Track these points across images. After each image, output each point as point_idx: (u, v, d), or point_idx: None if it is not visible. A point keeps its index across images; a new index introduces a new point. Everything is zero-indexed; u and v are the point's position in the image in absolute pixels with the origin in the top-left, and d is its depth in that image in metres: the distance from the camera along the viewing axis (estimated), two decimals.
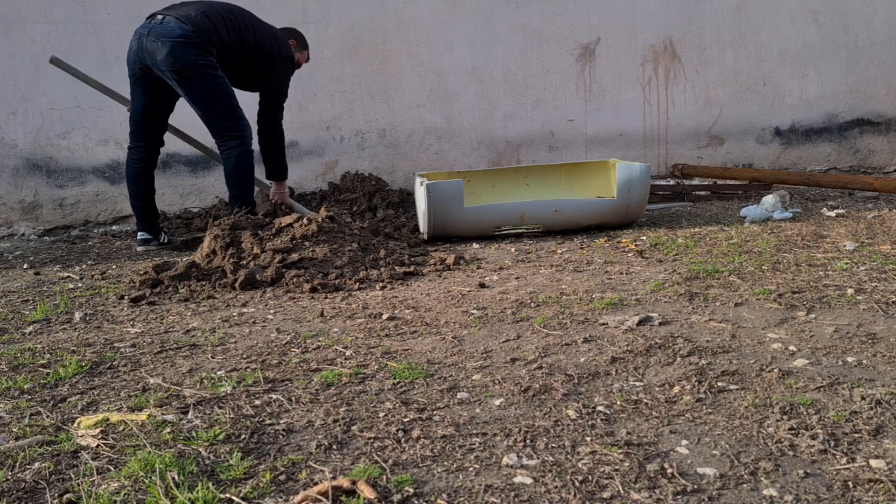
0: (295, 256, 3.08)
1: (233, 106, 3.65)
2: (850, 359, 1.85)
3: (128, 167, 3.83)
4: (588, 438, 1.46)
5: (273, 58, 3.78)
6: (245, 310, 2.60)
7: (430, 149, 5.28)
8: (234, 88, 3.75)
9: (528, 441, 1.46)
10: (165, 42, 3.47)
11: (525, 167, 4.42)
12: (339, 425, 1.56)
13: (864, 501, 1.21)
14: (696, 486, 1.27)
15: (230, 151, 3.66)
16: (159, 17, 3.56)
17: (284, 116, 4.97)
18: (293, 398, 1.73)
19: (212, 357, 2.07)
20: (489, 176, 4.35)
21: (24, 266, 3.61)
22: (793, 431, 1.46)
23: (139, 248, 3.87)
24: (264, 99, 3.87)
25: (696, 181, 5.31)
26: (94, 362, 2.04)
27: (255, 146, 3.82)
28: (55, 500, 1.30)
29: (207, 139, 3.91)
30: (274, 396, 1.74)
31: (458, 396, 1.71)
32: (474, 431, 1.51)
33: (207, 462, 1.42)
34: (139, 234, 3.90)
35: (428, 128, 5.26)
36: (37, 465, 1.43)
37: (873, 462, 1.33)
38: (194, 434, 1.54)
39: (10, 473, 1.40)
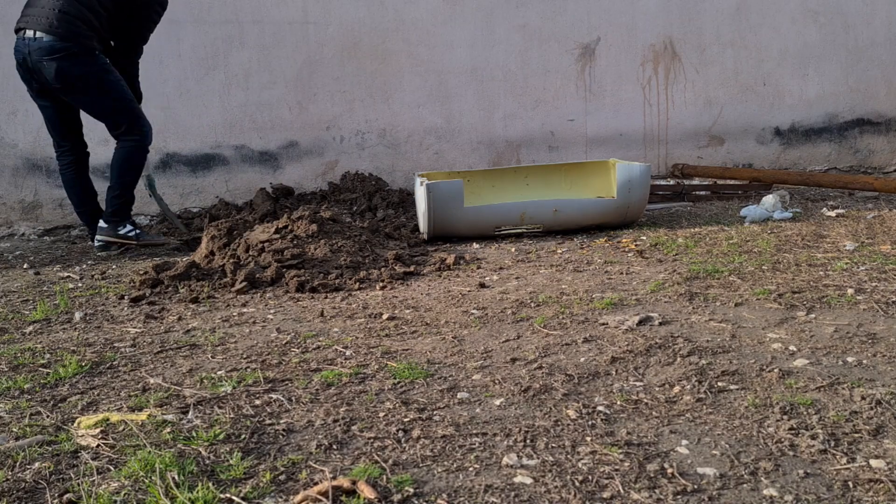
0: (295, 256, 3.08)
1: (130, 105, 3.61)
2: (850, 359, 1.85)
3: (62, 177, 3.80)
4: (588, 438, 1.46)
5: (149, 5, 3.67)
6: (245, 310, 2.60)
7: (430, 149, 5.28)
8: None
9: (528, 441, 1.46)
10: (50, 62, 3.41)
11: (525, 167, 4.42)
12: (339, 425, 1.56)
13: (864, 501, 1.21)
14: (696, 486, 1.27)
15: (126, 143, 3.62)
16: (29, 32, 3.44)
17: (284, 117, 4.99)
18: (293, 398, 1.73)
19: (212, 357, 2.07)
20: (489, 176, 4.35)
21: (24, 266, 3.61)
22: (793, 431, 1.46)
23: (99, 253, 3.82)
24: (131, 44, 3.72)
25: (696, 181, 5.30)
26: (94, 362, 2.04)
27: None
28: (55, 500, 1.30)
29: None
30: (274, 396, 1.74)
31: (458, 396, 1.71)
32: (474, 431, 1.51)
33: (207, 462, 1.42)
34: (95, 240, 3.83)
35: (428, 128, 5.26)
36: (37, 465, 1.43)
37: (873, 462, 1.33)
38: (194, 434, 1.54)
39: (10, 473, 1.40)
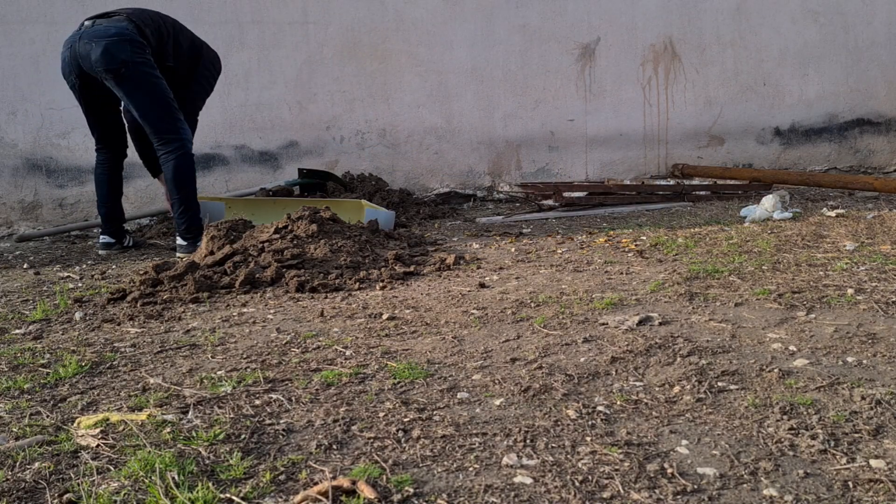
0: (295, 256, 3.08)
1: (171, 107, 3.58)
2: (850, 359, 1.85)
3: (95, 170, 3.85)
4: (588, 438, 1.46)
5: (204, 63, 3.78)
6: (245, 310, 2.60)
7: (430, 149, 5.29)
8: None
9: (528, 441, 1.46)
10: (99, 41, 3.41)
11: (283, 199, 4.26)
12: (339, 425, 1.56)
13: (864, 501, 1.21)
14: (696, 486, 1.27)
15: (168, 155, 3.59)
16: (88, 22, 3.51)
17: (284, 117, 4.99)
18: (293, 398, 1.73)
19: (212, 357, 2.07)
20: (249, 205, 4.19)
21: (24, 266, 3.61)
22: (793, 431, 1.46)
23: (101, 252, 3.83)
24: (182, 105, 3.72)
25: (696, 181, 5.31)
26: (94, 362, 2.04)
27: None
28: (55, 500, 1.30)
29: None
30: (274, 396, 1.74)
31: (458, 396, 1.71)
32: (474, 431, 1.51)
33: (207, 462, 1.42)
34: (101, 237, 3.87)
35: (428, 128, 5.26)
36: (37, 465, 1.43)
37: (873, 462, 1.33)
38: (194, 434, 1.54)
39: (10, 473, 1.40)
